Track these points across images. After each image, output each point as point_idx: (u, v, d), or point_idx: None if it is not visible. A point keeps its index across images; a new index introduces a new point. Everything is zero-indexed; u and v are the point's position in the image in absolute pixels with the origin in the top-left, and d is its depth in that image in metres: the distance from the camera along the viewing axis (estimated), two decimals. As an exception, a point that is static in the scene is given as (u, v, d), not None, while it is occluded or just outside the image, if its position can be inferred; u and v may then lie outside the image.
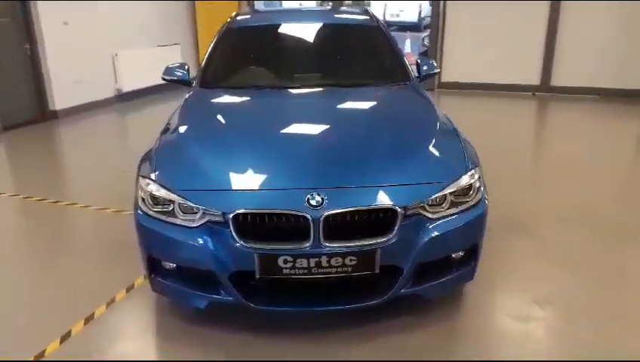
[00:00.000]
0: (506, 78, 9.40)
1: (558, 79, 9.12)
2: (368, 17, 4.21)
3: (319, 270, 2.35)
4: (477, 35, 9.36)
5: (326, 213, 2.28)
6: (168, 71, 3.90)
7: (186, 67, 3.89)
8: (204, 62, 3.85)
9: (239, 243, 2.33)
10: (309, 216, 2.28)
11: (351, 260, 2.35)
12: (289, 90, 3.56)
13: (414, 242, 2.40)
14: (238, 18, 4.22)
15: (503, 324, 2.73)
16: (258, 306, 2.46)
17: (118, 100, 8.81)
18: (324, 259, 2.33)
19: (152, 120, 7.96)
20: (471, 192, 2.56)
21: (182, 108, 3.32)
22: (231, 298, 2.46)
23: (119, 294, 3.01)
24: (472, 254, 2.64)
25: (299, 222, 2.31)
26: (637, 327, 2.69)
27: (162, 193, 2.49)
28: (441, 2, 9.52)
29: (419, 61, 3.98)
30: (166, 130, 3.04)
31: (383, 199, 2.37)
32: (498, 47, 9.28)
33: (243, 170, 2.53)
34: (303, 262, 2.33)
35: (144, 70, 9.10)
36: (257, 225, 2.34)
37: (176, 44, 10.10)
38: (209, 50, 3.92)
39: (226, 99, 3.52)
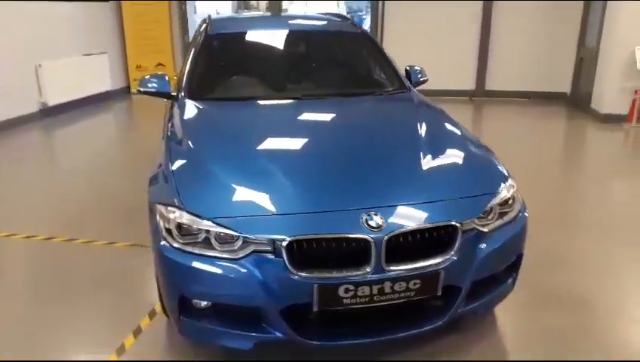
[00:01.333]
0: (443, 83, 9.67)
1: (493, 83, 9.56)
2: (352, 24, 4.10)
3: (381, 297, 2.17)
4: (414, 39, 9.56)
5: (389, 235, 2.11)
6: (146, 82, 3.50)
7: (166, 77, 3.53)
8: (186, 71, 3.51)
9: (295, 273, 2.09)
10: (370, 239, 2.10)
11: (415, 284, 2.19)
12: (293, 101, 3.34)
13: (472, 258, 2.29)
14: (216, 24, 3.91)
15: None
16: (315, 342, 2.22)
17: (44, 115, 7.98)
18: (387, 285, 2.15)
19: (83, 136, 7.32)
20: (511, 202, 2.50)
21: (182, 124, 2.98)
22: (281, 335, 2.20)
23: (127, 339, 2.64)
24: (517, 264, 2.58)
25: (357, 246, 2.12)
26: None
27: (194, 222, 2.19)
28: (380, 6, 9.57)
29: (408, 68, 3.91)
30: (171, 150, 2.71)
31: (442, 215, 2.25)
32: (435, 54, 9.56)
33: (283, 192, 2.29)
34: (365, 290, 2.14)
35: (71, 82, 8.35)
36: (312, 252, 2.11)
37: (103, 52, 9.36)
38: (190, 58, 3.59)
39: (232, 112, 3.23)
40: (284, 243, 2.08)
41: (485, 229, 2.33)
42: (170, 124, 3.13)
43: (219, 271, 2.14)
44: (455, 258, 2.22)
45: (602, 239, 3.79)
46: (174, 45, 10.30)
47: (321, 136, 2.88)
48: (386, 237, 2.11)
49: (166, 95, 3.47)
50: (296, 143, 2.77)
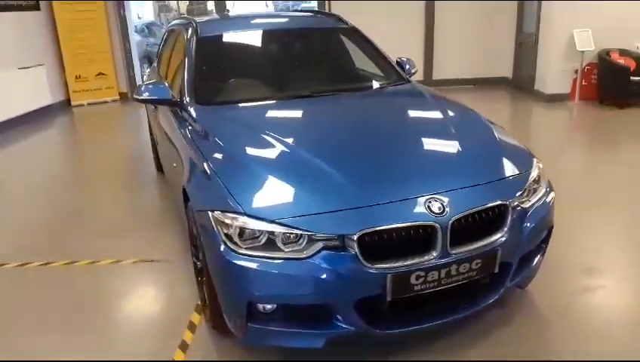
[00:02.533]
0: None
1: (439, 73, 9.91)
2: (339, 19, 4.14)
3: (448, 280, 2.23)
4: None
5: (453, 218, 2.18)
6: (144, 90, 3.33)
7: (165, 84, 3.39)
8: (187, 77, 3.36)
9: (368, 266, 2.11)
10: (436, 224, 2.16)
11: (476, 264, 2.27)
12: (307, 99, 3.32)
13: (519, 234, 2.40)
14: (203, 27, 3.77)
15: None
16: (386, 331, 2.25)
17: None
18: (453, 268, 2.22)
19: (26, 155, 6.80)
20: (539, 179, 2.64)
21: (209, 129, 2.87)
22: (353, 328, 2.21)
23: None
24: (548, 236, 2.73)
25: (423, 233, 2.17)
26: None
27: (257, 225, 2.15)
28: (327, 6, 9.71)
29: (399, 60, 4.00)
30: (206, 156, 2.61)
31: (493, 195, 2.34)
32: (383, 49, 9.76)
33: (342, 186, 2.29)
34: (434, 275, 2.19)
35: (8, 98, 7.78)
36: (381, 243, 2.14)
37: (40, 64, 8.79)
38: (186, 64, 3.44)
39: (254, 114, 3.16)
40: (355, 237, 2.09)
41: (527, 206, 2.46)
42: (184, 131, 3.02)
43: (289, 271, 2.12)
44: (507, 235, 2.32)
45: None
46: (115, 53, 9.85)
47: (355, 130, 2.90)
48: (450, 221, 2.17)
49: (167, 102, 3.34)
50: (333, 139, 2.77)
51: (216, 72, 3.55)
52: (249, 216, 2.16)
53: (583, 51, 7.70)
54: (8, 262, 3.56)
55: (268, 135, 2.72)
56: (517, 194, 2.41)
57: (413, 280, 2.16)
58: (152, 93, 3.31)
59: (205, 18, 4.19)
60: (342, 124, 3.02)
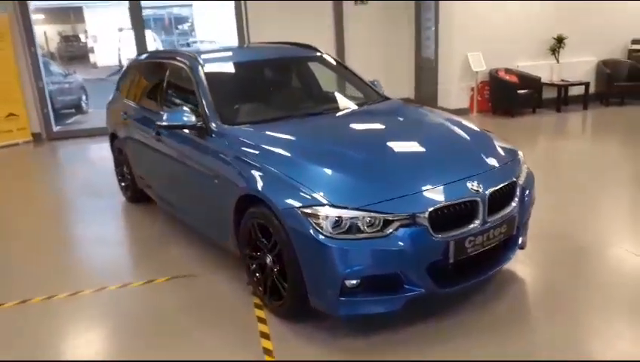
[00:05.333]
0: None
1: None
2: (315, 49, 4.70)
3: (487, 242, 2.89)
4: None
5: (488, 193, 2.84)
6: (168, 117, 3.61)
7: (186, 110, 3.68)
8: (206, 103, 3.68)
9: (436, 236, 2.68)
10: (479, 199, 2.80)
11: (504, 228, 2.96)
12: (322, 115, 3.83)
13: (523, 204, 3.14)
14: (206, 59, 4.09)
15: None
16: (448, 289, 2.83)
17: None
18: (491, 232, 2.88)
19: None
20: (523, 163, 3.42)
21: (256, 143, 3.27)
22: (423, 290, 2.76)
23: None
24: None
25: (469, 206, 2.80)
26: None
27: (344, 213, 2.63)
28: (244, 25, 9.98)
29: (370, 82, 4.63)
30: (270, 165, 3.01)
31: (508, 174, 3.07)
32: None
33: (399, 177, 2.86)
34: (479, 239, 2.84)
35: None
36: (443, 216, 2.73)
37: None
38: (201, 93, 3.73)
39: (287, 129, 3.54)
40: (426, 214, 2.66)
41: (521, 181, 3.21)
42: (224, 149, 3.35)
43: (377, 248, 2.63)
44: (518, 204, 3.05)
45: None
46: (26, 92, 9.40)
47: (383, 136, 3.47)
48: (487, 195, 2.83)
49: (191, 127, 3.61)
50: (370, 144, 3.31)
51: (230, 97, 3.92)
52: (334, 206, 2.64)
53: (477, 71, 9.07)
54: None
55: (317, 143, 3.22)
56: (518, 174, 3.15)
57: (467, 244, 2.79)
58: (175, 120, 3.59)
59: (205, 51, 4.48)
60: (367, 132, 3.59)
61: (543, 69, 9.30)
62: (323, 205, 2.66)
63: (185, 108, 3.76)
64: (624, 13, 9.59)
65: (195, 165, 3.70)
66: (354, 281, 2.70)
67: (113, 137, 5.55)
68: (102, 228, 4.93)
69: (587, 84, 9.23)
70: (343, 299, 2.70)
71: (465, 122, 3.70)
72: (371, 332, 2.89)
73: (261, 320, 3.09)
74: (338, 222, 2.62)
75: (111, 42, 23.86)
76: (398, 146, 3.26)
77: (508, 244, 3.15)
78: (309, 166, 2.97)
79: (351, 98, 4.30)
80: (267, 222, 2.93)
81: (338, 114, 3.96)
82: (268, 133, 3.44)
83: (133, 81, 5.19)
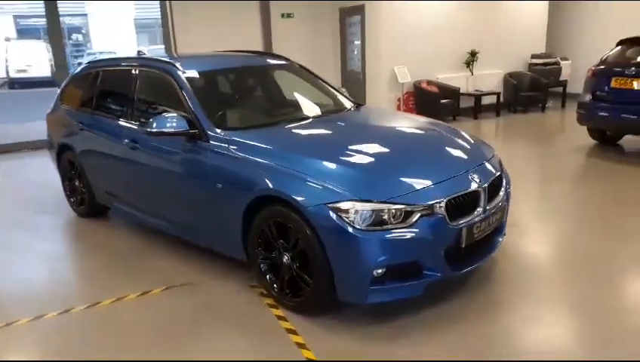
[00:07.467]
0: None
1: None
2: (290, 60, 4.82)
3: (488, 227, 3.22)
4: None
5: (486, 185, 3.17)
6: (164, 122, 3.54)
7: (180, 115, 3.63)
8: (194, 110, 3.65)
9: (451, 224, 2.95)
10: (481, 189, 3.12)
11: (499, 215, 3.31)
12: (311, 120, 3.94)
13: (506, 194, 3.52)
14: (186, 65, 4.02)
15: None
16: (461, 271, 3.10)
17: None
18: (490, 219, 3.21)
19: None
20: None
21: (268, 145, 3.33)
22: (440, 274, 3.00)
23: None
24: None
25: (473, 196, 3.10)
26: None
27: (371, 207, 2.80)
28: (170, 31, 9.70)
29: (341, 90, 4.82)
30: (287, 165, 3.09)
31: (495, 168, 3.44)
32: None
33: (413, 173, 3.09)
34: (483, 225, 3.16)
35: None
36: (455, 206, 3.00)
37: None
38: (187, 99, 3.69)
39: (286, 134, 3.63)
40: (442, 204, 2.92)
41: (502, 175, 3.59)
42: (225, 152, 3.36)
43: (403, 237, 2.84)
44: (505, 194, 3.42)
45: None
46: None
47: (381, 137, 3.69)
48: (486, 186, 3.16)
49: (183, 133, 3.57)
50: (384, 141, 3.52)
51: (217, 104, 3.91)
52: (361, 200, 2.81)
53: (403, 83, 9.68)
54: None
55: (327, 143, 3.38)
56: (501, 167, 3.53)
57: (474, 230, 3.09)
58: (165, 126, 3.52)
59: (183, 57, 4.40)
60: (374, 133, 3.85)
61: (460, 81, 10.15)
62: (351, 200, 2.81)
63: (173, 113, 3.67)
64: (524, 30, 10.77)
65: (188, 171, 3.66)
66: (380, 270, 2.87)
67: (62, 149, 5.20)
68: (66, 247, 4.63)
69: (499, 94, 10.22)
70: (372, 288, 2.86)
71: (443, 123, 4.05)
72: (387, 318, 3.09)
73: (281, 318, 3.15)
74: (368, 215, 2.79)
75: (-4, 53, 21.99)
76: (404, 145, 3.53)
77: (496, 231, 3.50)
78: (328, 164, 3.09)
79: (331, 104, 4.45)
80: (286, 220, 3.02)
81: (325, 119, 4.08)
82: (278, 135, 3.54)
83: (89, 89, 4.91)
